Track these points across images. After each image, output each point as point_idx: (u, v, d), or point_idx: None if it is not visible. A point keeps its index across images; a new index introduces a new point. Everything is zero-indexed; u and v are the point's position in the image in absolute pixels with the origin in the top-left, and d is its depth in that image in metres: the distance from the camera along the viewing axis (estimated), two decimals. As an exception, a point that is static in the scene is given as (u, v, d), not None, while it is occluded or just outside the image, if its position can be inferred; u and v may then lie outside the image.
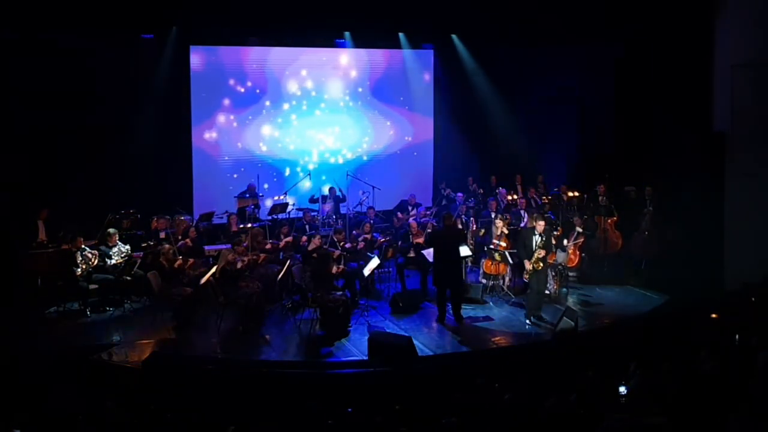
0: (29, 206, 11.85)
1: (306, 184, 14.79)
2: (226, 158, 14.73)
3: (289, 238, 11.78)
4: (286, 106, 15.13)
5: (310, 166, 15.11)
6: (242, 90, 14.77)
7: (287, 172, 15.20)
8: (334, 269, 10.40)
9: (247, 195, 13.87)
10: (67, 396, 7.26)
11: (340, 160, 15.57)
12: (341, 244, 11.47)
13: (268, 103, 14.98)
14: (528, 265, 10.28)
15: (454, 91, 16.06)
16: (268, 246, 11.59)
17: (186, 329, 10.09)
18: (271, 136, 15.08)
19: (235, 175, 14.72)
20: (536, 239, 10.26)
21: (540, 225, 10.32)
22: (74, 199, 12.76)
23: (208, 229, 13.13)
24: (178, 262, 10.50)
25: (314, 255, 10.75)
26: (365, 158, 15.79)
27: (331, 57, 15.42)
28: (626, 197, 14.27)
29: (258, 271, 10.83)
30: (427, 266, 11.20)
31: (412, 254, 11.74)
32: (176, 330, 10.05)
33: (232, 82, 14.67)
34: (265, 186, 14.57)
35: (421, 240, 11.73)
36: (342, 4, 12.62)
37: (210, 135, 14.59)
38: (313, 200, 14.19)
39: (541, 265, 10.27)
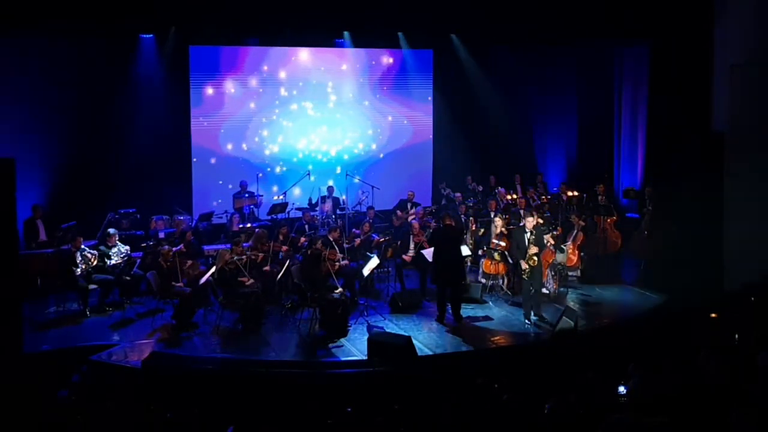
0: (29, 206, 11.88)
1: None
2: (220, 159, 14.70)
3: (285, 247, 11.69)
4: (285, 106, 15.12)
5: (309, 166, 15.09)
6: (241, 90, 14.76)
7: (278, 170, 15.15)
8: (330, 267, 10.37)
9: (245, 195, 13.87)
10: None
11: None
12: (338, 242, 11.44)
13: (266, 103, 14.97)
14: (524, 265, 10.26)
15: (453, 91, 16.06)
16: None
17: (186, 329, 10.08)
18: (271, 136, 15.08)
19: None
20: (527, 236, 10.25)
21: (529, 222, 10.30)
22: (74, 199, 12.77)
23: (207, 229, 13.13)
24: (177, 263, 10.51)
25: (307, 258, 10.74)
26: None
27: (330, 57, 15.42)
28: (626, 197, 14.33)
29: (257, 271, 10.82)
30: (427, 266, 11.19)
31: (411, 254, 11.70)
32: (176, 330, 10.04)
33: (231, 82, 14.66)
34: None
35: (422, 239, 11.69)
36: (342, 4, 12.62)
37: (209, 135, 14.57)
38: (311, 204, 14.14)
39: (536, 260, 10.24)
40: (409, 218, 12.90)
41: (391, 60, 15.82)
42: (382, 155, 15.94)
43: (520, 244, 10.30)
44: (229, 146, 14.73)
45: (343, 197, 14.48)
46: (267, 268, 10.93)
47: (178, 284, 10.30)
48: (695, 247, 11.15)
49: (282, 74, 15.04)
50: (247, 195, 13.87)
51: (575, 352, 8.73)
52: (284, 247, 11.52)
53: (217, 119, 14.61)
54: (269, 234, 11.75)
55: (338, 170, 15.09)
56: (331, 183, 14.94)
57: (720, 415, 5.24)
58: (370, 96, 15.75)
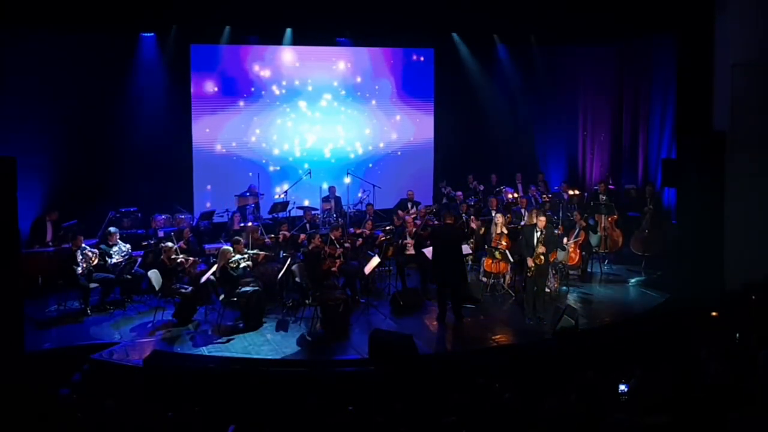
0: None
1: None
2: (220, 158, 14.67)
3: (287, 233, 11.77)
4: (285, 105, 15.13)
5: (306, 165, 15.09)
6: (242, 88, 14.75)
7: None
8: (330, 264, 10.38)
9: (247, 194, 13.88)
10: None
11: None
12: (340, 241, 11.45)
13: (267, 102, 14.96)
14: (530, 262, 10.27)
15: (454, 90, 16.06)
16: (267, 241, 11.64)
17: (186, 328, 10.10)
18: (272, 135, 15.07)
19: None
20: (537, 235, 10.25)
21: (541, 221, 10.31)
22: (75, 197, 12.77)
23: (208, 228, 13.14)
24: (179, 261, 10.53)
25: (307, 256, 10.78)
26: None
27: (331, 56, 15.41)
28: (627, 196, 14.33)
29: (258, 270, 10.84)
30: (428, 265, 11.19)
31: (411, 251, 11.73)
32: (177, 328, 10.06)
33: (232, 80, 14.66)
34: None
35: (419, 232, 11.73)
36: (343, 3, 12.62)
37: (210, 134, 14.57)
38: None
39: (543, 259, 10.25)
40: (409, 217, 12.89)
41: (392, 59, 15.82)
42: (399, 152, 16.01)
43: (528, 241, 10.30)
44: (219, 146, 14.63)
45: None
46: (264, 253, 10.98)
47: (179, 283, 10.34)
48: (696, 247, 11.15)
49: (282, 73, 15.02)
50: (248, 194, 13.88)
51: (576, 351, 8.75)
52: (284, 233, 11.62)
53: (218, 118, 14.60)
54: (267, 232, 11.79)
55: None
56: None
57: (720, 415, 5.25)
58: (371, 95, 15.73)
